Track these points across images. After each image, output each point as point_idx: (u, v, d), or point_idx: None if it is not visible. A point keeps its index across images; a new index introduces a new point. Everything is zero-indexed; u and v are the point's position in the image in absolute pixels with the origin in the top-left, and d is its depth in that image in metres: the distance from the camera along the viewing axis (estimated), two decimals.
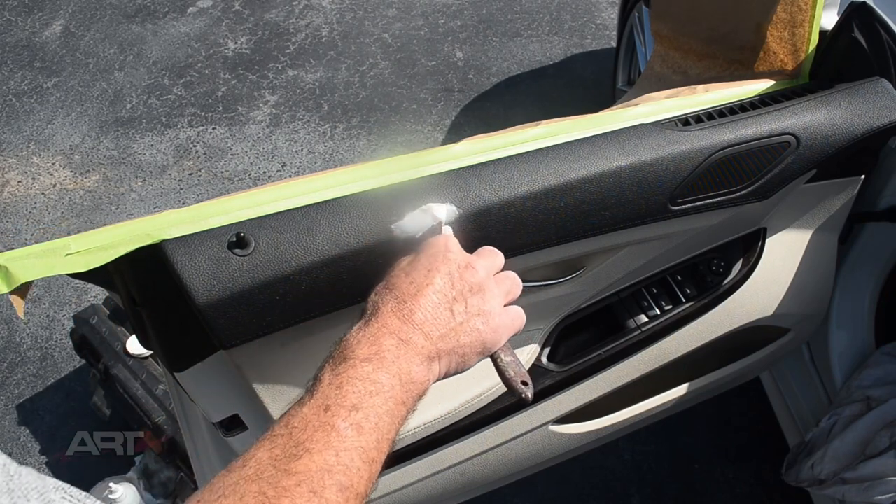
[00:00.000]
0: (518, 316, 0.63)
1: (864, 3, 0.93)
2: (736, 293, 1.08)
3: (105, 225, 0.68)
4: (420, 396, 0.55)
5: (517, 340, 1.01)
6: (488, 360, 0.64)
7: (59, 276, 0.91)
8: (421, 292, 0.57)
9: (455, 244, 0.63)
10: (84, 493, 0.35)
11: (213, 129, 2.81)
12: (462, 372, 0.60)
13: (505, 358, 0.64)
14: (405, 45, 3.09)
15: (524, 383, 0.64)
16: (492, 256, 0.65)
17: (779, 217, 1.05)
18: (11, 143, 2.83)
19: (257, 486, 0.43)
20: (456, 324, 0.58)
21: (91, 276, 0.68)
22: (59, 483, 0.36)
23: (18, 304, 0.64)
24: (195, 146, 2.75)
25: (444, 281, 0.59)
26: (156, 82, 3.03)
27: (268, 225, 0.71)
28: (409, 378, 0.53)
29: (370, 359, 0.52)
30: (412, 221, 0.70)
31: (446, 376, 0.59)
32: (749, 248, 1.08)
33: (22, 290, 0.64)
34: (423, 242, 0.64)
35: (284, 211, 0.72)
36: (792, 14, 0.98)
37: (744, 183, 0.91)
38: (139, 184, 2.64)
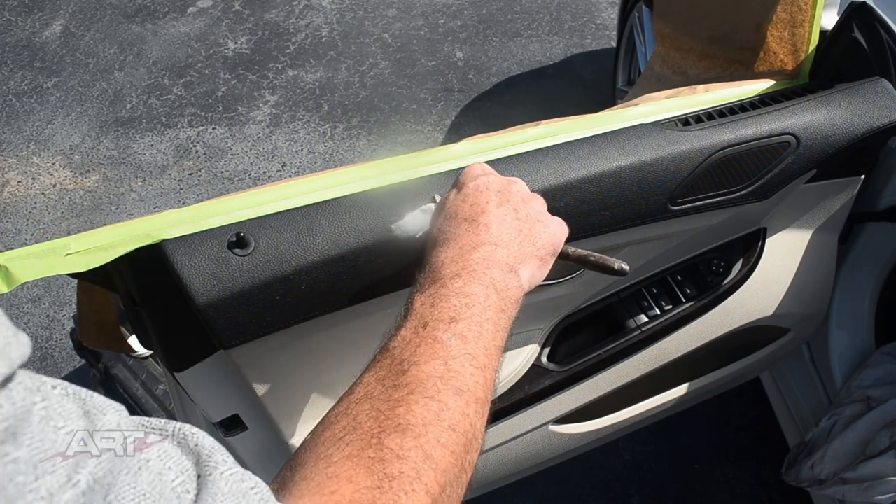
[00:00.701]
0: (561, 221, 0.64)
1: (864, 3, 0.93)
2: (736, 293, 1.08)
3: (105, 225, 0.68)
4: (518, 303, 0.55)
5: (517, 340, 1.01)
6: None
7: (59, 276, 0.91)
8: (485, 210, 0.58)
9: (488, 166, 0.65)
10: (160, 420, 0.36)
11: (213, 129, 2.81)
12: (543, 277, 0.61)
13: (578, 251, 0.66)
14: (405, 45, 3.09)
15: (612, 260, 0.66)
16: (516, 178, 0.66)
17: (779, 217, 1.05)
18: (11, 143, 2.83)
19: (369, 405, 0.43)
20: (527, 230, 0.59)
21: (91, 276, 0.68)
22: (140, 419, 0.36)
23: None
24: (195, 146, 2.75)
25: (500, 196, 0.60)
26: (156, 82, 3.03)
27: (268, 225, 0.71)
28: (503, 286, 0.53)
29: (459, 274, 0.52)
30: (412, 221, 0.70)
31: (531, 284, 0.59)
32: (749, 248, 1.08)
33: None
34: (459, 173, 0.65)
35: (284, 211, 0.72)
36: (792, 14, 0.98)
37: (744, 183, 0.91)
38: (139, 184, 2.64)
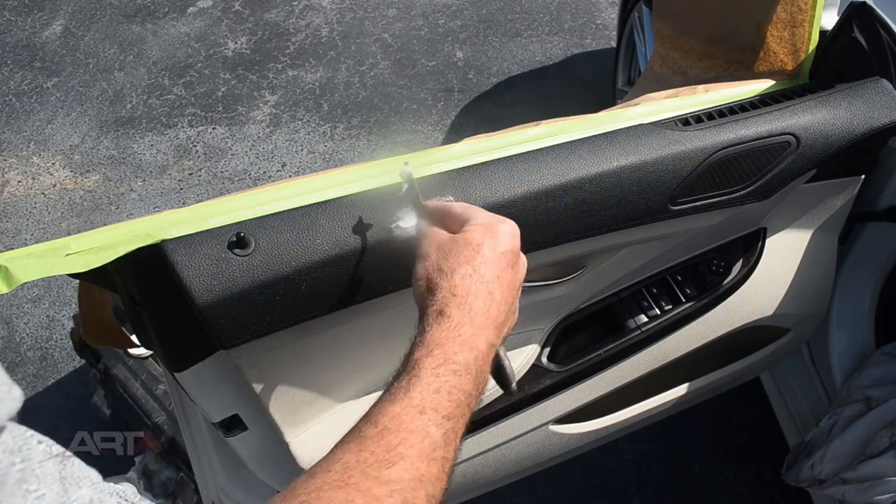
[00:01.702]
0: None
1: (864, 3, 0.93)
2: (736, 293, 1.08)
3: (105, 225, 0.68)
4: None
5: (517, 340, 1.01)
6: None
7: (59, 276, 0.91)
8: (503, 303, 0.57)
9: (495, 239, 0.59)
10: (133, 491, 0.36)
11: (213, 129, 2.81)
12: None
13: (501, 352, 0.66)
14: (405, 45, 3.09)
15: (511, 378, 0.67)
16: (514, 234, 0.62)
17: (779, 217, 1.05)
18: (11, 143, 2.83)
19: (344, 494, 0.40)
20: (515, 311, 0.59)
21: (91, 276, 0.68)
22: (114, 487, 0.35)
23: None
24: (195, 146, 2.75)
25: (509, 277, 0.58)
26: (156, 82, 3.03)
27: (268, 225, 0.71)
28: (484, 385, 0.53)
29: (469, 368, 0.51)
30: (412, 221, 0.70)
31: None
32: (749, 248, 1.08)
33: None
34: (470, 226, 0.60)
35: (284, 211, 0.72)
36: (792, 14, 0.98)
37: (744, 183, 0.91)
38: (139, 184, 2.64)
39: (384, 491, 0.40)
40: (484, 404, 1.00)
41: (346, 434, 0.46)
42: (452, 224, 0.62)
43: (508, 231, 0.60)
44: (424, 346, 0.51)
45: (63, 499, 0.30)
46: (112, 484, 0.35)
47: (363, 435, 0.45)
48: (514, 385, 0.67)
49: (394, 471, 0.42)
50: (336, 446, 0.45)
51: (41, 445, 0.31)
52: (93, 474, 0.33)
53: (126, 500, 0.35)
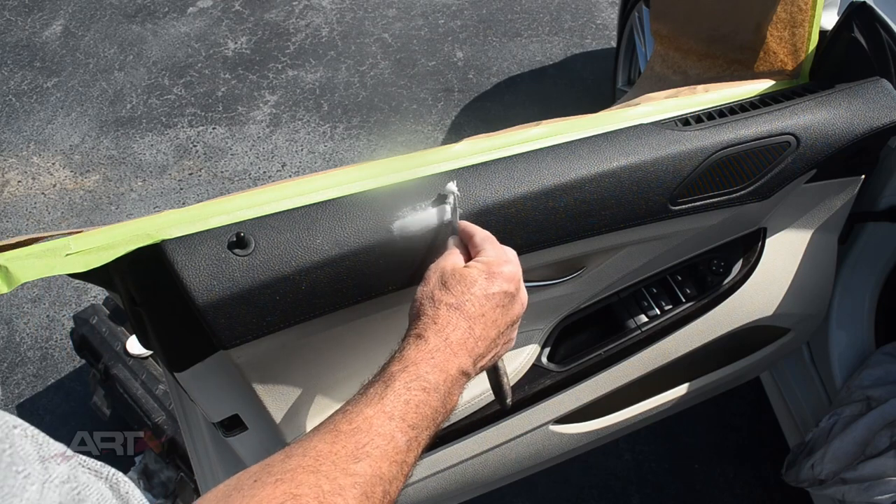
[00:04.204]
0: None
1: (864, 3, 0.93)
2: (736, 293, 1.07)
3: (105, 225, 0.68)
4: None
5: (517, 340, 1.01)
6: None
7: (59, 276, 0.91)
8: (483, 326, 0.63)
9: (489, 280, 0.65)
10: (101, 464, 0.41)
11: (213, 129, 2.81)
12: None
13: (502, 365, 0.73)
14: (405, 45, 3.09)
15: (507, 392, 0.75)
16: (514, 263, 0.68)
17: (779, 217, 1.05)
18: (11, 143, 2.83)
19: (315, 479, 0.46)
20: (501, 343, 0.66)
21: (91, 276, 0.68)
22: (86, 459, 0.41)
23: None
24: (195, 146, 2.75)
25: (496, 316, 0.64)
26: (156, 82, 3.03)
27: (268, 225, 0.71)
28: (453, 405, 0.59)
29: (438, 388, 0.56)
30: (413, 221, 0.70)
31: None
32: (749, 248, 1.08)
33: None
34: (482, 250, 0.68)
35: (284, 211, 0.72)
36: (792, 14, 0.98)
37: (744, 183, 0.91)
38: (139, 184, 2.64)
39: (349, 482, 0.47)
40: (484, 404, 1.00)
41: (322, 424, 0.52)
42: (470, 247, 0.69)
43: (507, 274, 0.65)
44: (401, 362, 0.57)
45: (44, 476, 0.35)
46: (83, 456, 0.41)
47: (338, 430, 0.51)
48: (509, 401, 0.74)
49: (359, 466, 0.48)
50: (313, 433, 0.51)
51: (17, 430, 0.36)
52: (61, 446, 0.40)
53: (95, 471, 0.40)
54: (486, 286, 0.63)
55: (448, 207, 0.74)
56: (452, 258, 0.67)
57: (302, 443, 0.50)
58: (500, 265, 0.65)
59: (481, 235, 0.69)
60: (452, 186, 0.74)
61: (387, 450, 0.50)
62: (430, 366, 0.57)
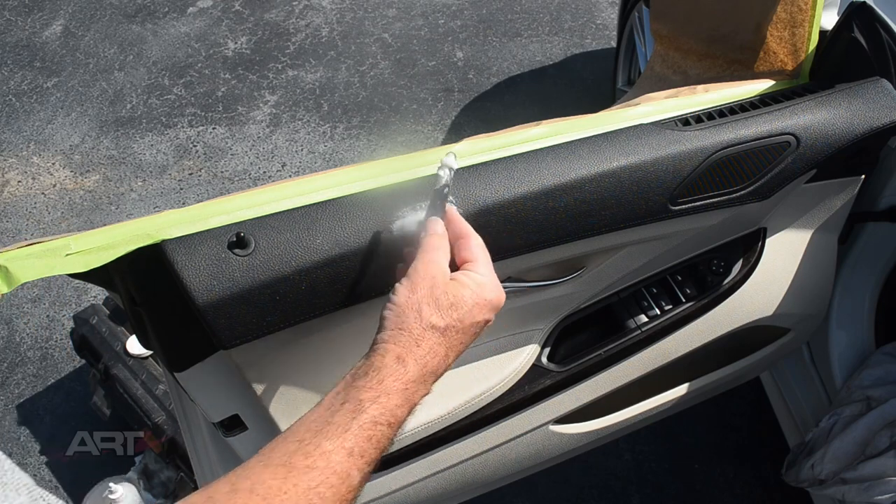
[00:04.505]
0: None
1: (864, 3, 0.93)
2: (736, 293, 1.07)
3: (105, 225, 0.68)
4: None
5: (517, 340, 1.01)
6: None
7: (59, 276, 0.91)
8: (455, 353, 0.60)
9: (476, 309, 0.61)
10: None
11: (213, 129, 2.81)
12: None
13: None
14: (405, 45, 3.09)
15: None
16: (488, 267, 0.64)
17: (779, 217, 1.05)
18: (11, 143, 2.83)
19: (271, 473, 0.47)
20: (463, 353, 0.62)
21: (91, 276, 0.68)
22: (45, 494, 0.40)
23: None
24: (195, 146, 2.75)
25: (464, 345, 0.61)
26: (156, 82, 3.03)
27: (268, 225, 0.71)
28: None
29: (402, 420, 0.55)
30: (412, 221, 0.70)
31: None
32: (749, 248, 1.08)
33: None
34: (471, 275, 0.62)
35: (284, 211, 0.72)
36: (792, 14, 0.98)
37: (744, 183, 0.91)
38: (139, 184, 2.64)
39: (289, 484, 0.46)
40: (483, 404, 1.00)
41: (277, 447, 0.50)
42: (461, 249, 0.64)
43: (494, 302, 0.62)
44: (375, 390, 0.54)
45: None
46: (43, 491, 0.39)
47: (292, 464, 0.48)
48: None
49: (312, 458, 0.48)
50: (264, 459, 0.49)
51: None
52: (28, 481, 0.39)
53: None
54: (474, 314, 0.60)
55: (443, 176, 0.67)
56: (441, 263, 0.61)
57: (251, 473, 0.48)
58: (492, 291, 0.61)
59: (476, 241, 0.64)
60: (451, 160, 0.67)
61: (340, 489, 0.49)
62: (403, 398, 0.54)
